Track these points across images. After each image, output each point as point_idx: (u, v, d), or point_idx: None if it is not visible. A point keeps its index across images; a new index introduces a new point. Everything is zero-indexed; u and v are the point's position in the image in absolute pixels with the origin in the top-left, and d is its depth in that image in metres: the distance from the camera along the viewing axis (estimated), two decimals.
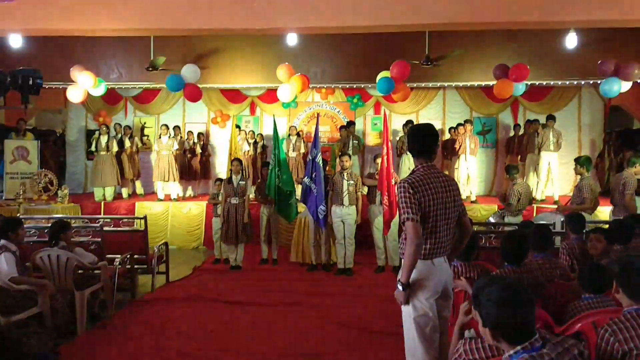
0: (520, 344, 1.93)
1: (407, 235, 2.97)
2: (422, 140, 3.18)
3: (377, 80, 8.47)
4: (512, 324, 1.94)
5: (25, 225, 5.48)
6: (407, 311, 3.09)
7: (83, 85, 8.62)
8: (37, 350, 4.12)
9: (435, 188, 3.04)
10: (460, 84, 9.61)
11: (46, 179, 9.69)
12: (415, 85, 9.30)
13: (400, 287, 3.01)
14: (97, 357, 4.57)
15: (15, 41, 7.86)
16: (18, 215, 7.75)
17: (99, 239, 6.27)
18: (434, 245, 3.03)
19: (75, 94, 8.76)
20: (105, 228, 6.62)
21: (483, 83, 9.31)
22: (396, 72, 8.27)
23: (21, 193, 8.96)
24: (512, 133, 11.03)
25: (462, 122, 10.19)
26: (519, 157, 10.45)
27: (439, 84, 9.72)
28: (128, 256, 6.21)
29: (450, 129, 10.91)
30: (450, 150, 10.26)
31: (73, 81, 8.71)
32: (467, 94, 11.23)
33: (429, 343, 3.03)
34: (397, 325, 4.62)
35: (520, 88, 8.59)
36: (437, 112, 11.67)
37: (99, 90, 9.03)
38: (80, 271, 5.40)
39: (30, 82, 4.94)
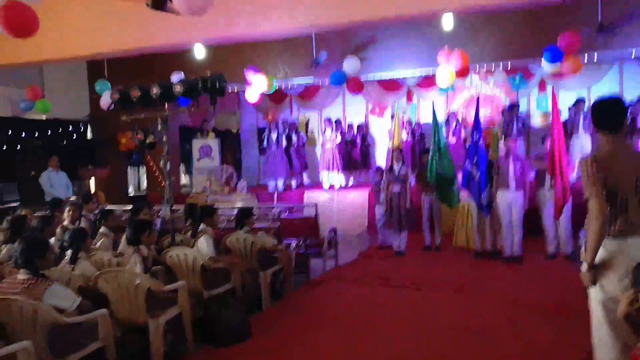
0: None
1: (590, 213, 2.84)
2: (606, 112, 2.96)
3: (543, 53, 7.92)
4: None
5: None
6: (594, 294, 2.94)
7: (258, 86, 9.40)
8: (232, 319, 4.75)
9: (623, 163, 2.84)
10: None
11: (227, 174, 10.85)
12: (586, 56, 8.46)
13: (584, 268, 2.89)
14: (280, 327, 5.08)
15: (199, 52, 8.83)
16: None
17: (277, 225, 6.87)
18: (625, 223, 2.83)
19: (252, 95, 9.61)
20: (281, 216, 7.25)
21: None
22: (565, 44, 7.67)
23: (208, 186, 10.14)
24: None
25: None
26: None
27: (616, 53, 8.73)
28: (302, 241, 6.73)
29: (629, 104, 9.80)
30: (631, 129, 9.23)
31: (246, 83, 9.55)
32: None
33: (619, 330, 2.80)
34: (571, 310, 4.43)
35: None
36: (613, 86, 10.53)
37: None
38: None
39: (217, 86, 5.51)
